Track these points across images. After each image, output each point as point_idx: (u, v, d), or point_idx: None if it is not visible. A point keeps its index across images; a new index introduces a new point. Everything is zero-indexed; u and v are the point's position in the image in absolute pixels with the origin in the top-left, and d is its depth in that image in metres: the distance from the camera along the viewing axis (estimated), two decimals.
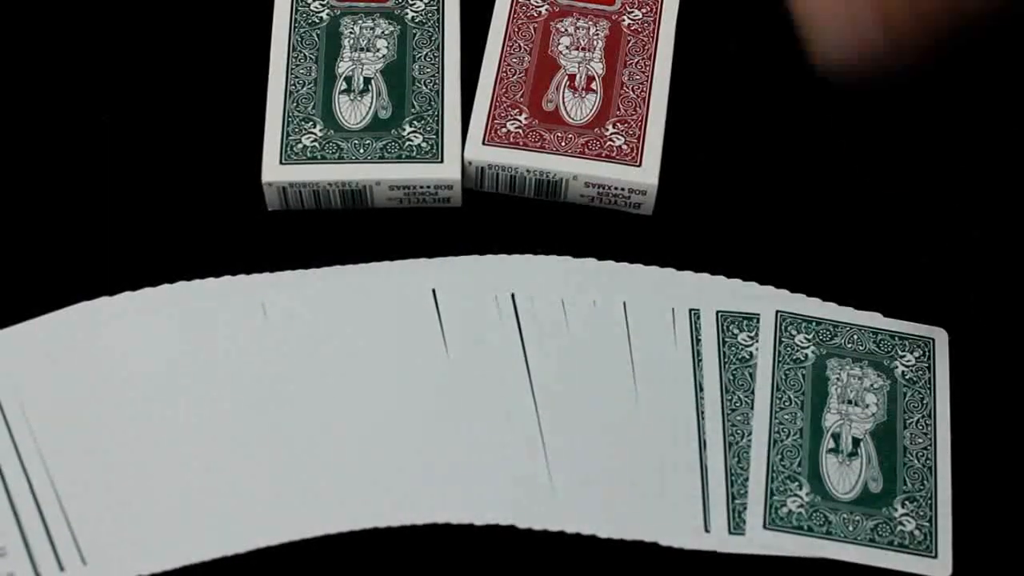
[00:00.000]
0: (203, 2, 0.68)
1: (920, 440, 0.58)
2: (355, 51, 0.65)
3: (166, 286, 0.61)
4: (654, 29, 0.65)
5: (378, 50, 0.65)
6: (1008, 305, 0.62)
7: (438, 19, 0.65)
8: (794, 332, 0.60)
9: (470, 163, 0.62)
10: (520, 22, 0.66)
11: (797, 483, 0.57)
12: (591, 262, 0.62)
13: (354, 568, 0.56)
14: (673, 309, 0.61)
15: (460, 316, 0.60)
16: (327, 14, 0.66)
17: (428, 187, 0.62)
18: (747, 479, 0.57)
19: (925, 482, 0.57)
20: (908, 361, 0.59)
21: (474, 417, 0.58)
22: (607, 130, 0.63)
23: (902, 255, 0.63)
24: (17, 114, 0.65)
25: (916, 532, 0.56)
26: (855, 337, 0.60)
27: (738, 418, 0.58)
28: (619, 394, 0.59)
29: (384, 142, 0.62)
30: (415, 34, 0.65)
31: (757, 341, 0.60)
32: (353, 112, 0.63)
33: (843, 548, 0.56)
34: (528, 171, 0.62)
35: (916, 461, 0.58)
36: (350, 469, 0.57)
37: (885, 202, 0.64)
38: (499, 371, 0.59)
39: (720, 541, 0.56)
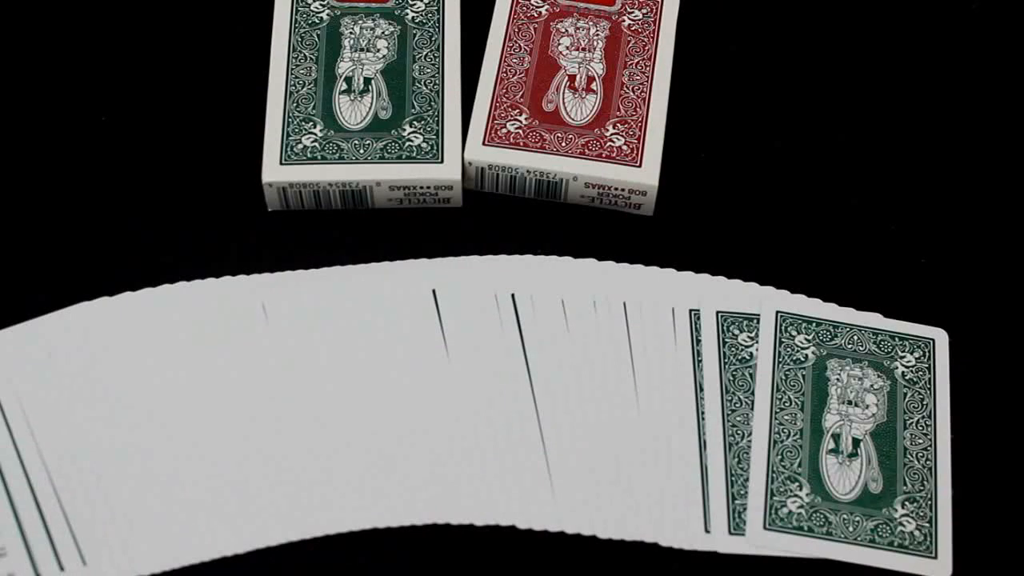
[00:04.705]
0: (203, 2, 0.68)
1: (920, 441, 0.58)
2: (355, 51, 0.65)
3: (166, 286, 0.61)
4: (654, 29, 0.66)
5: (378, 50, 0.65)
6: (1008, 305, 0.62)
7: (438, 19, 0.65)
8: (794, 332, 0.60)
9: (470, 163, 0.62)
10: (520, 22, 0.66)
11: (797, 483, 0.57)
12: (591, 262, 0.62)
13: (354, 568, 0.56)
14: (673, 309, 0.61)
15: (460, 316, 0.60)
16: (327, 14, 0.66)
17: (428, 187, 0.62)
18: (747, 479, 0.57)
19: (925, 483, 0.57)
20: (908, 362, 0.59)
21: (474, 417, 0.58)
22: (607, 131, 0.63)
23: (902, 255, 0.63)
24: (17, 114, 0.65)
25: (916, 533, 0.56)
26: (855, 338, 0.60)
27: (738, 418, 0.58)
28: (619, 394, 0.59)
29: (384, 142, 0.62)
30: (415, 34, 0.65)
31: (757, 341, 0.60)
32: (353, 112, 0.63)
33: (843, 548, 0.56)
34: (528, 171, 0.62)
35: (916, 462, 0.58)
36: (350, 469, 0.57)
37: (885, 203, 0.64)
38: (499, 371, 0.59)
39: (720, 541, 0.56)
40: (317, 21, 0.65)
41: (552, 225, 0.63)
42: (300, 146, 0.62)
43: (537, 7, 0.66)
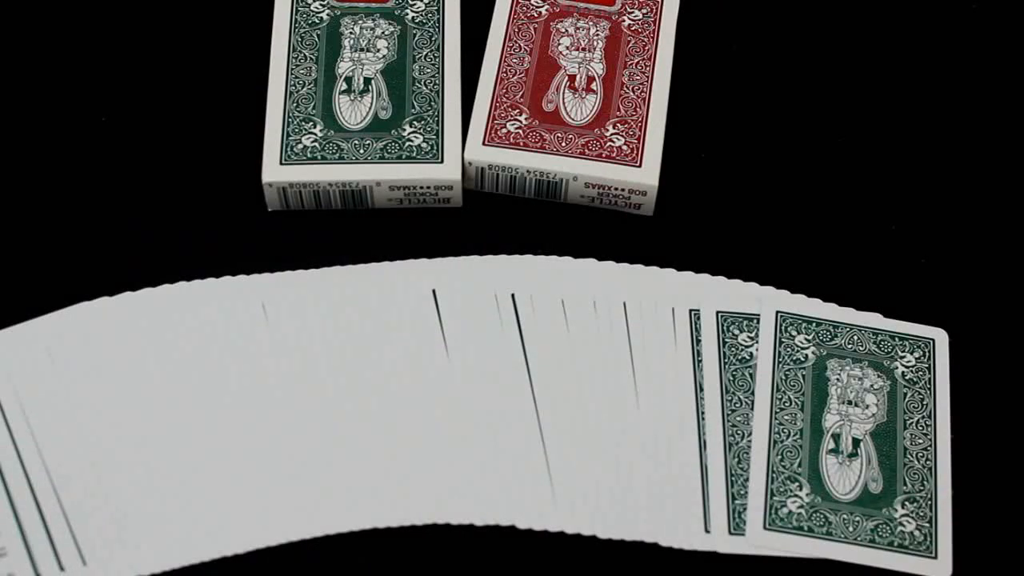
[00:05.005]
0: (203, 2, 0.68)
1: (920, 441, 0.58)
2: (355, 51, 0.65)
3: (166, 286, 0.61)
4: (654, 29, 0.66)
5: (378, 50, 0.65)
6: (1008, 305, 0.62)
7: (438, 19, 0.65)
8: (794, 332, 0.60)
9: (470, 163, 0.62)
10: (520, 22, 0.66)
11: (797, 483, 0.57)
12: (591, 262, 0.62)
13: (354, 568, 0.56)
14: (673, 309, 0.61)
15: (460, 316, 0.60)
16: (327, 14, 0.66)
17: (428, 187, 0.62)
18: (747, 479, 0.57)
19: (925, 483, 0.57)
20: (908, 362, 0.59)
21: (474, 417, 0.58)
22: (607, 131, 0.63)
23: (902, 255, 0.63)
24: (17, 114, 0.65)
25: (916, 533, 0.56)
26: (855, 338, 0.60)
27: (738, 418, 0.58)
28: (619, 394, 0.59)
29: (384, 142, 0.62)
30: (415, 34, 0.65)
31: (757, 341, 0.60)
32: (353, 112, 0.63)
33: (843, 548, 0.56)
34: (528, 171, 0.62)
35: (916, 462, 0.58)
36: (350, 469, 0.57)
37: (885, 202, 0.64)
38: (499, 371, 0.59)
39: (720, 541, 0.56)
40: (317, 21, 0.65)
41: (552, 225, 0.63)
42: (300, 146, 0.62)
43: (537, 7, 0.66)
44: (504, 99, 0.64)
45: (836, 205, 0.64)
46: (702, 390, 0.59)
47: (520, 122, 0.63)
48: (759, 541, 0.56)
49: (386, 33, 0.65)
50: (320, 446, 0.58)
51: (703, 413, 0.58)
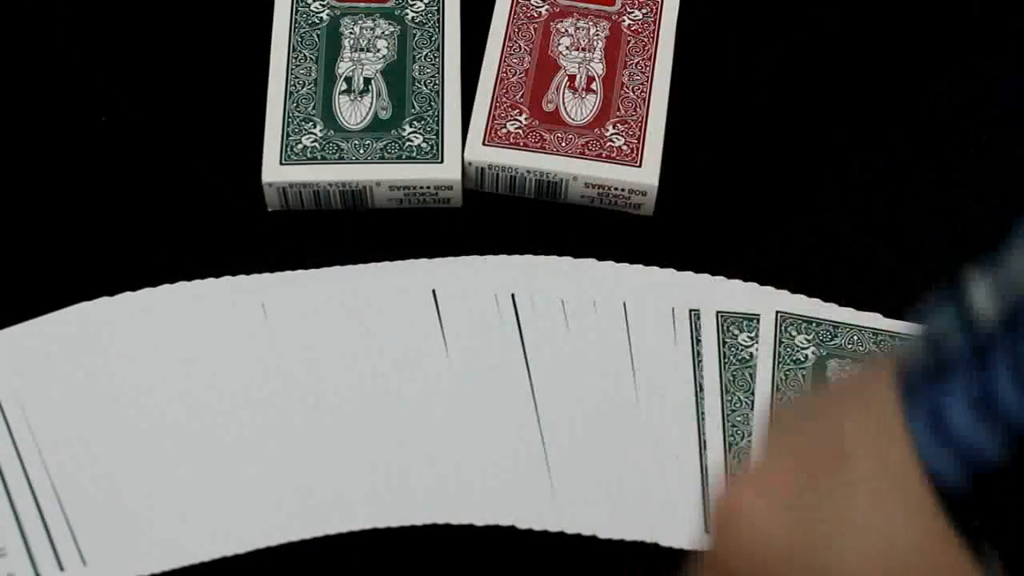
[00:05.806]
0: (203, 2, 0.68)
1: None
2: (355, 51, 0.65)
3: (166, 286, 0.61)
4: (654, 29, 0.66)
5: (378, 50, 0.65)
6: None
7: (438, 19, 0.65)
8: (794, 333, 0.60)
9: (470, 164, 0.62)
10: (520, 22, 0.66)
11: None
12: (591, 262, 0.62)
13: (354, 568, 0.56)
14: (673, 309, 0.61)
15: (460, 316, 0.60)
16: (327, 14, 0.66)
17: (428, 187, 0.62)
18: None
19: None
20: None
21: (474, 417, 0.58)
22: (607, 131, 0.63)
23: (902, 255, 0.63)
24: (17, 114, 0.65)
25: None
26: (855, 337, 0.60)
27: (738, 419, 0.58)
28: (619, 394, 0.59)
29: (384, 142, 0.62)
30: (415, 34, 0.65)
31: (757, 342, 0.60)
32: (353, 112, 0.63)
33: None
34: (528, 172, 0.62)
35: None
36: (350, 469, 0.57)
37: (885, 203, 0.64)
38: (499, 371, 0.59)
39: None
40: (317, 21, 0.65)
41: (552, 225, 0.63)
42: (300, 146, 0.62)
43: (537, 7, 0.66)
44: (504, 99, 0.64)
45: (836, 205, 0.64)
46: (702, 390, 0.59)
47: (520, 122, 0.63)
48: None
49: (386, 33, 0.65)
50: (320, 446, 0.58)
51: (703, 413, 0.58)
